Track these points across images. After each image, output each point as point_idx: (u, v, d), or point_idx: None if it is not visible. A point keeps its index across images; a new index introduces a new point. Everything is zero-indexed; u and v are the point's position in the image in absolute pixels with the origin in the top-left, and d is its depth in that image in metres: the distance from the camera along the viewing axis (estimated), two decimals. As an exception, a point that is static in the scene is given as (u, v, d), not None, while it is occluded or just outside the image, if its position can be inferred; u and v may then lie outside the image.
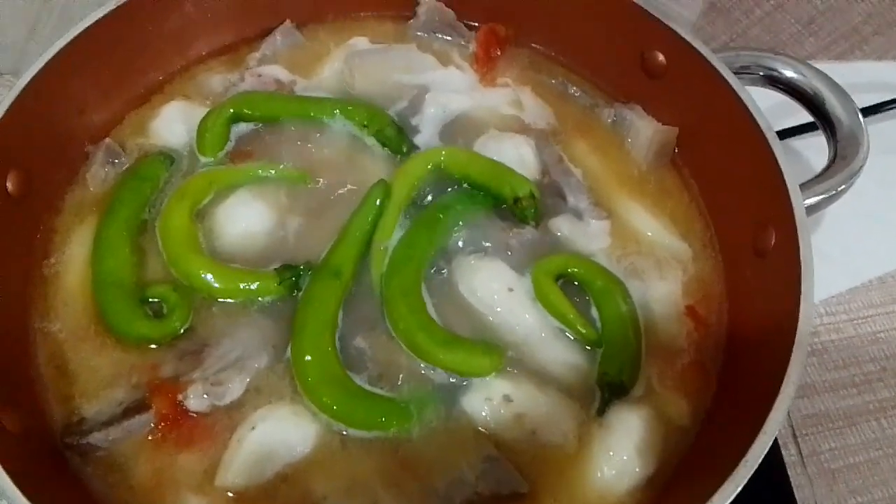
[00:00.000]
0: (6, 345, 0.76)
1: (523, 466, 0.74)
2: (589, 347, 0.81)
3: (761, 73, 0.92)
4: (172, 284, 0.81)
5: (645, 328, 0.83)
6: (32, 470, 0.66)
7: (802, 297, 0.72)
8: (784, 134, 1.13)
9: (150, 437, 0.74)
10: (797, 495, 0.95)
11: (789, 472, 0.97)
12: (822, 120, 0.89)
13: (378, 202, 0.86)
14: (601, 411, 0.77)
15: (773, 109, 1.06)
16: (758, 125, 0.84)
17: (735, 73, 0.88)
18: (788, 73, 0.91)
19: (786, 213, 0.78)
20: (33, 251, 0.85)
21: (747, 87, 0.87)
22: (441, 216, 0.87)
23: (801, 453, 0.99)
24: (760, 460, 0.64)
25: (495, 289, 0.82)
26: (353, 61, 1.01)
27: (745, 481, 0.63)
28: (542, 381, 0.78)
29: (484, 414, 0.75)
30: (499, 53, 1.04)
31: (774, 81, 0.92)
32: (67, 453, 0.73)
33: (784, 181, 0.80)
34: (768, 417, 0.65)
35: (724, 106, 0.87)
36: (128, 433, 0.73)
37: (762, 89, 0.96)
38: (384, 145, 0.94)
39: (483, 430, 0.75)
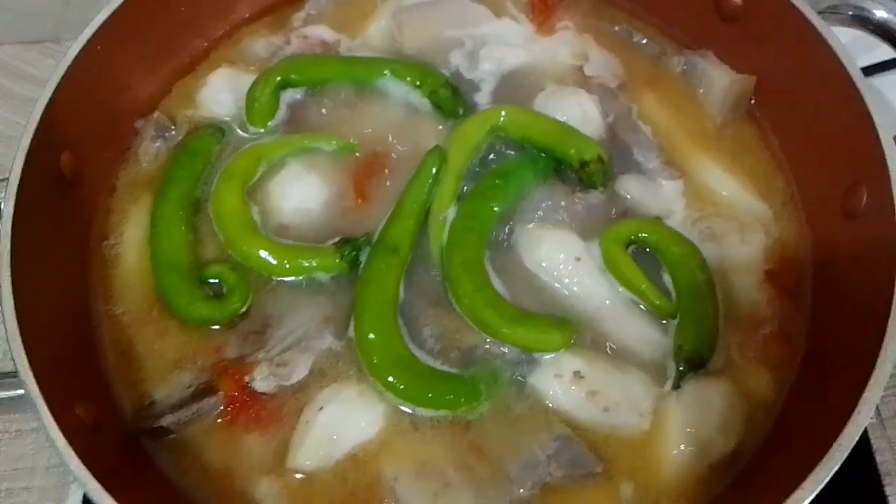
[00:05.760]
0: (73, 331, 0.77)
1: (596, 445, 0.72)
2: (663, 320, 0.77)
3: (850, 14, 0.84)
4: (230, 264, 0.80)
5: (722, 296, 0.78)
6: (108, 458, 0.67)
7: (901, 264, 0.66)
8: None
9: (219, 420, 0.74)
10: (878, 459, 0.91)
11: (870, 436, 0.93)
12: (918, 66, 0.81)
13: (434, 171, 0.83)
14: (677, 385, 0.74)
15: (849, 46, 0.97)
16: (847, 72, 0.77)
17: (819, 14, 0.80)
18: (880, 14, 0.83)
19: (879, 171, 0.72)
20: (91, 233, 0.84)
21: (833, 29, 0.80)
22: (501, 183, 0.83)
23: (880, 416, 0.95)
24: (854, 443, 0.60)
25: (562, 259, 0.78)
26: (402, 17, 0.96)
27: (838, 466, 0.60)
28: (615, 355, 0.75)
29: (554, 391, 0.73)
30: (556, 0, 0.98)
31: (864, 22, 0.83)
32: (141, 438, 0.73)
33: (877, 135, 0.73)
34: (862, 397, 0.61)
35: (808, 51, 0.80)
36: (198, 416, 0.73)
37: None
38: (438, 107, 0.89)
39: (554, 407, 0.73)
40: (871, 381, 0.62)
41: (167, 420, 0.72)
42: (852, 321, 0.71)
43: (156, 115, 0.90)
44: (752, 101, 0.89)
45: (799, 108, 0.84)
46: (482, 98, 0.91)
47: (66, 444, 0.63)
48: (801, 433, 0.68)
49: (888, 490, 0.89)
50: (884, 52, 0.93)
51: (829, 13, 0.84)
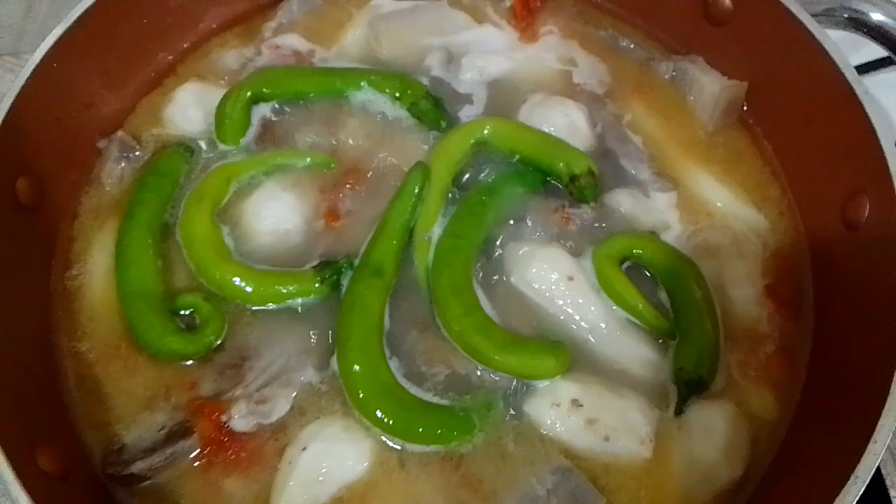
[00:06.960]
0: (34, 370, 0.72)
1: (598, 477, 0.68)
2: (661, 340, 0.74)
3: (846, 16, 0.81)
4: (203, 293, 0.75)
5: (721, 313, 0.75)
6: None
7: (909, 279, 0.63)
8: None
9: (195, 463, 0.69)
10: (882, 471, 0.89)
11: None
12: (917, 70, 0.79)
13: (417, 188, 0.78)
14: (679, 410, 0.70)
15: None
16: (843, 76, 0.74)
17: (814, 17, 0.77)
18: (877, 17, 0.80)
19: (882, 178, 0.69)
20: (53, 263, 0.79)
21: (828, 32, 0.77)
22: (488, 199, 0.79)
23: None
24: (872, 473, 0.57)
25: (554, 279, 0.75)
26: (379, 25, 0.92)
27: (856, 499, 0.56)
28: (613, 380, 0.72)
29: (551, 420, 0.69)
30: (538, 4, 0.94)
31: (860, 25, 0.81)
32: (111, 486, 0.68)
33: (878, 141, 0.70)
34: (879, 424, 0.58)
35: (802, 54, 0.77)
36: (172, 460, 0.68)
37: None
38: (419, 119, 0.85)
39: (551, 437, 0.69)
40: (887, 407, 0.58)
41: (138, 466, 0.67)
42: (858, 339, 0.68)
43: (119, 134, 0.85)
44: (745, 108, 0.86)
45: (793, 114, 0.81)
46: (465, 109, 0.87)
47: (29, 501, 0.58)
48: (811, 459, 0.65)
49: (892, 493, 0.86)
50: (871, 51, 0.90)
51: (824, 16, 0.81)
